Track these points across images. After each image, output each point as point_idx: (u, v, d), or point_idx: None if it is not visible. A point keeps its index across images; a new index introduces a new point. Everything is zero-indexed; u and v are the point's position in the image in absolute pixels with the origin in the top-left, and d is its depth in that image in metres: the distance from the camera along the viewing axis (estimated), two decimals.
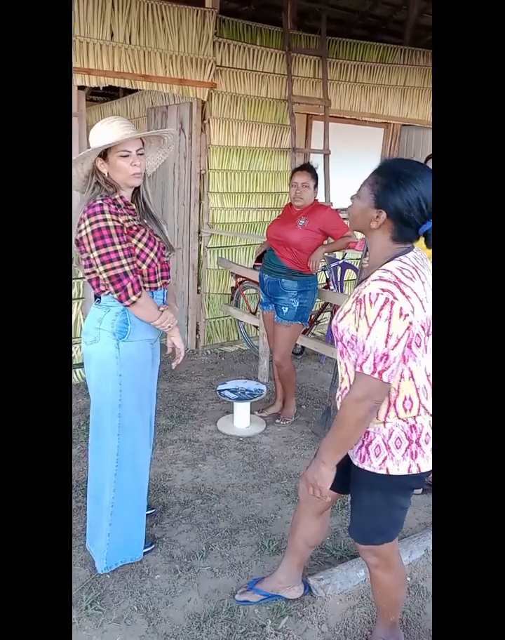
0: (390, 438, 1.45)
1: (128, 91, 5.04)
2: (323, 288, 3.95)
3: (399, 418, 1.45)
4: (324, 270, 4.04)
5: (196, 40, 3.93)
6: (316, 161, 3.74)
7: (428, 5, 5.61)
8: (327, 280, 4.19)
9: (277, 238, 3.15)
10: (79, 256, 1.90)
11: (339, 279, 4.09)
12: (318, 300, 3.53)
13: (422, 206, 1.36)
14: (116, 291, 1.83)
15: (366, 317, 1.34)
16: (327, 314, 4.22)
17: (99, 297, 1.93)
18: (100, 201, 1.82)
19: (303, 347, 4.25)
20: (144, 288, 1.91)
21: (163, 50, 3.79)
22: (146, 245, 1.89)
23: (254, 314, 4.32)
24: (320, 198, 4.42)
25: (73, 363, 3.70)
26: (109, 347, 1.90)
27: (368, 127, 5.10)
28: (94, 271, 1.88)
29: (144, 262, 1.90)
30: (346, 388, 1.50)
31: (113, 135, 1.84)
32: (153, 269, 1.93)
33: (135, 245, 1.87)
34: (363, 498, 1.56)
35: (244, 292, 4.46)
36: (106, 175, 1.89)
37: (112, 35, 3.58)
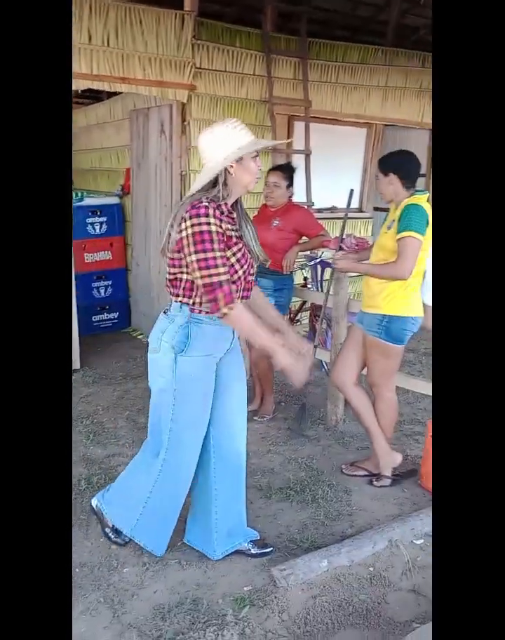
0: None
1: (112, 94, 5.08)
2: (301, 286, 3.99)
3: None
4: (301, 269, 4.09)
5: (175, 42, 3.97)
6: (298, 161, 3.78)
7: (410, 7, 5.66)
8: (305, 279, 4.23)
9: None
10: (167, 253, 1.83)
11: (318, 278, 4.13)
12: (295, 298, 3.57)
13: None
14: (209, 301, 1.75)
15: None
16: (306, 313, 4.26)
17: (169, 306, 1.90)
18: (206, 203, 1.72)
19: None
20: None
21: (142, 53, 3.83)
22: (238, 260, 1.80)
23: None
24: (301, 198, 4.48)
25: None
26: (167, 360, 1.87)
27: (351, 127, 5.13)
28: (181, 272, 1.82)
29: (231, 277, 1.79)
30: None
31: (250, 136, 1.79)
32: (238, 287, 1.83)
33: (229, 258, 1.78)
34: None
35: None
36: (232, 176, 1.79)
37: (90, 38, 3.63)
